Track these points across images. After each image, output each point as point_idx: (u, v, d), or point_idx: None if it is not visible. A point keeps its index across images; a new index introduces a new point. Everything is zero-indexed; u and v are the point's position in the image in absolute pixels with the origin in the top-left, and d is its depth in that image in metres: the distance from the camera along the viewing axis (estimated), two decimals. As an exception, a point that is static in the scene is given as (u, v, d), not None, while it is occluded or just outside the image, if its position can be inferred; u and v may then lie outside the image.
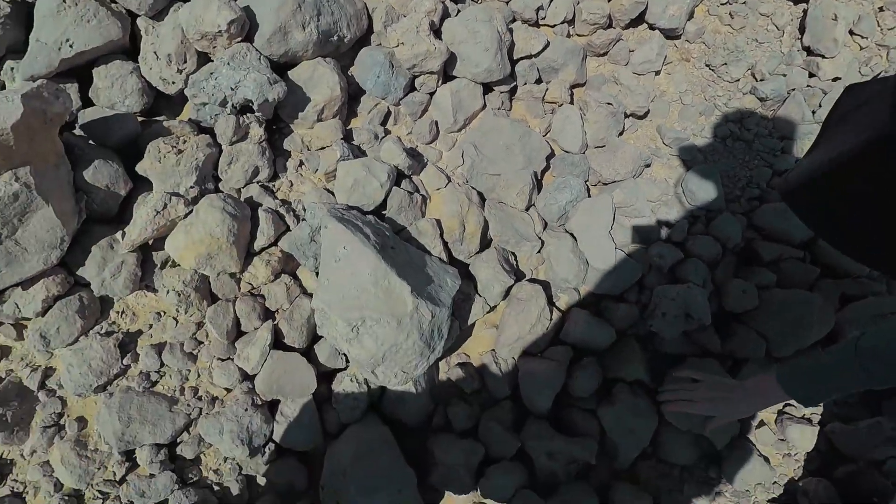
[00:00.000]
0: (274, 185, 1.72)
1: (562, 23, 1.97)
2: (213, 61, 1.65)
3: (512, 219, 1.77)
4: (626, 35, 2.07)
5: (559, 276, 1.74)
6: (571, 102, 1.99)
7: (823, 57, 1.95)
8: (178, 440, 1.49)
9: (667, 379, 1.34)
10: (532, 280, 1.75)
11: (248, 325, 1.53)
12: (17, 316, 1.43)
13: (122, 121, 1.62)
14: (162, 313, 1.55)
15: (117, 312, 1.53)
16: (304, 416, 1.52)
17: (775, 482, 1.64)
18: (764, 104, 1.98)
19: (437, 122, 1.88)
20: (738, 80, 2.02)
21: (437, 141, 1.90)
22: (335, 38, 1.77)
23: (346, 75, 1.84)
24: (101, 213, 1.53)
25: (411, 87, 1.89)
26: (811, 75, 1.97)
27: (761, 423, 1.69)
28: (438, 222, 1.70)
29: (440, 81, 1.88)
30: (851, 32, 1.97)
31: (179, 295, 1.49)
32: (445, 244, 1.70)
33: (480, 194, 1.82)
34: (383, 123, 1.87)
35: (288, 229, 1.64)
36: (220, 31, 1.56)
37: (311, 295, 1.60)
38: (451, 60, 1.82)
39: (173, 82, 1.68)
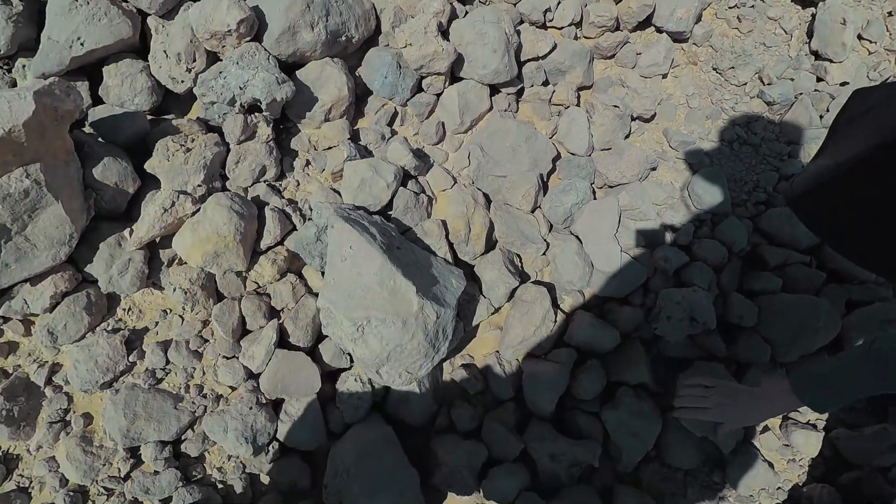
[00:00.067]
0: (281, 185, 1.73)
1: (569, 25, 1.98)
2: (221, 60, 1.66)
3: (517, 220, 1.77)
4: (634, 38, 2.07)
5: (564, 278, 1.74)
6: (578, 105, 1.99)
7: (831, 61, 1.95)
8: (183, 437, 1.49)
9: (679, 385, 1.33)
10: (537, 282, 1.75)
11: (253, 323, 1.54)
12: (25, 312, 1.44)
13: (131, 119, 1.63)
14: (168, 311, 1.56)
15: (124, 309, 1.54)
16: (307, 416, 1.53)
17: (779, 488, 1.63)
18: (771, 108, 1.97)
19: (443, 123, 1.89)
20: (746, 83, 2.01)
21: (443, 142, 1.91)
22: (343, 38, 1.78)
23: (353, 76, 1.85)
24: (109, 211, 1.54)
25: (418, 88, 1.89)
26: (819, 80, 1.97)
27: (766, 429, 1.68)
28: (444, 223, 1.70)
29: (447, 82, 1.88)
30: (860, 37, 1.96)
31: (186, 293, 1.50)
32: (451, 245, 1.70)
33: (486, 196, 1.82)
34: (390, 124, 1.88)
35: (294, 228, 1.64)
36: (229, 31, 1.57)
37: (316, 294, 1.60)
38: (458, 62, 1.83)
39: (182, 81, 1.69)
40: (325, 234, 1.54)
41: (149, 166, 1.57)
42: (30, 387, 1.46)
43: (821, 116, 1.92)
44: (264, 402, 1.51)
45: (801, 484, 1.65)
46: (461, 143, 1.90)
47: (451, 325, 1.47)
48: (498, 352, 1.69)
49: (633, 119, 1.97)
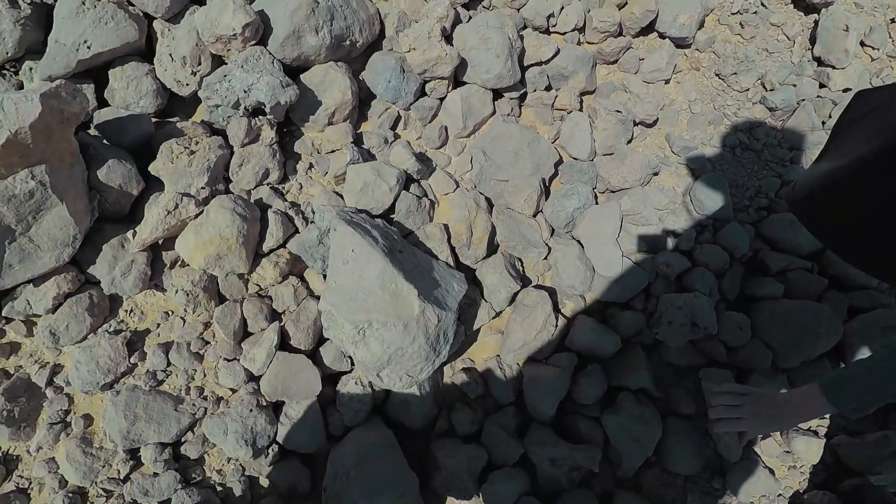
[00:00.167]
0: (284, 188, 1.74)
1: (572, 30, 1.98)
2: (226, 64, 1.67)
3: (519, 225, 1.77)
4: (637, 43, 2.08)
5: (565, 282, 1.74)
6: (581, 110, 1.99)
7: (834, 68, 1.95)
8: (183, 440, 1.49)
9: (708, 394, 1.29)
10: (538, 286, 1.75)
11: (254, 325, 1.54)
12: (27, 312, 1.45)
13: (136, 121, 1.64)
14: (170, 313, 1.56)
15: (126, 311, 1.55)
16: (308, 418, 1.53)
17: (780, 494, 1.62)
18: (773, 114, 1.97)
19: (446, 128, 1.90)
20: (748, 89, 2.02)
21: (446, 146, 1.91)
22: (347, 42, 1.79)
23: (357, 80, 1.86)
24: (113, 213, 1.55)
25: (422, 93, 1.90)
26: (822, 86, 1.97)
27: (767, 435, 1.67)
28: (446, 227, 1.71)
29: (450, 87, 1.89)
30: (863, 44, 1.97)
31: (188, 295, 1.50)
32: (452, 249, 1.70)
33: (488, 200, 1.82)
34: (393, 128, 1.89)
35: (297, 231, 1.65)
36: (234, 35, 1.58)
37: (318, 297, 1.61)
38: (461, 66, 1.84)
39: (187, 84, 1.71)
40: (328, 237, 1.55)
41: (153, 168, 1.57)
42: (31, 387, 1.46)
43: (823, 122, 1.92)
44: (265, 404, 1.51)
45: (801, 491, 1.64)
46: (464, 147, 1.91)
47: (452, 329, 1.47)
48: (499, 356, 1.69)
49: (635, 124, 1.98)
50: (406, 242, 1.60)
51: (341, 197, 1.70)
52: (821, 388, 1.09)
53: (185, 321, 1.55)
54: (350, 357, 1.57)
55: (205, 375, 1.53)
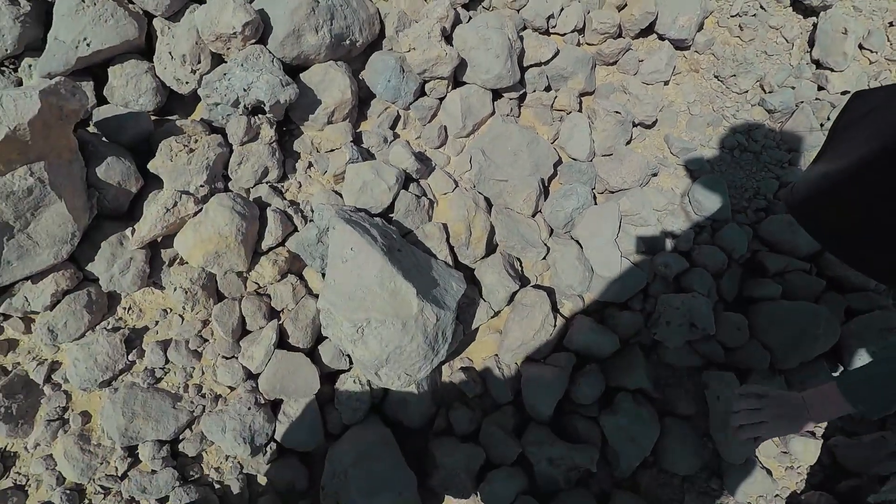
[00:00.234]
0: (283, 186, 1.74)
1: (572, 31, 1.99)
2: (226, 62, 1.67)
3: (518, 224, 1.78)
4: (636, 45, 2.08)
5: (564, 282, 1.74)
6: (580, 110, 2.00)
7: (832, 70, 1.96)
8: (181, 437, 1.49)
9: (733, 399, 1.26)
10: (537, 286, 1.76)
11: (253, 324, 1.54)
12: (25, 309, 1.44)
13: (135, 119, 1.64)
14: (168, 310, 1.56)
15: (124, 308, 1.55)
16: (306, 417, 1.53)
17: (777, 495, 1.63)
18: (772, 116, 1.98)
19: (445, 127, 1.90)
20: (747, 91, 2.02)
21: (445, 146, 1.92)
22: (347, 42, 1.79)
23: (357, 79, 1.86)
24: (111, 210, 1.55)
25: (421, 92, 1.91)
26: (820, 88, 1.98)
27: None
28: (445, 226, 1.71)
29: (450, 87, 1.90)
30: (861, 46, 1.98)
31: (186, 292, 1.50)
32: (451, 248, 1.70)
33: (487, 200, 1.83)
34: (393, 127, 1.89)
35: (295, 230, 1.65)
36: (234, 33, 1.59)
37: (316, 295, 1.61)
38: (461, 66, 1.84)
39: (187, 82, 1.71)
40: (327, 235, 1.55)
41: (152, 166, 1.57)
42: (29, 384, 1.46)
43: (821, 125, 1.93)
44: (263, 402, 1.51)
45: (799, 492, 1.64)
46: (463, 147, 1.91)
47: (450, 328, 1.47)
48: (497, 355, 1.69)
49: (634, 125, 1.98)
50: (405, 241, 1.60)
51: (340, 196, 1.70)
52: (839, 388, 1.08)
53: (183, 319, 1.55)
54: (348, 355, 1.57)
55: (203, 373, 1.53)
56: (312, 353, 1.59)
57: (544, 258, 1.79)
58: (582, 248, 1.78)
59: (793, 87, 1.98)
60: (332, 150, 1.78)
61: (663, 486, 1.63)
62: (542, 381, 1.60)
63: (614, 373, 1.67)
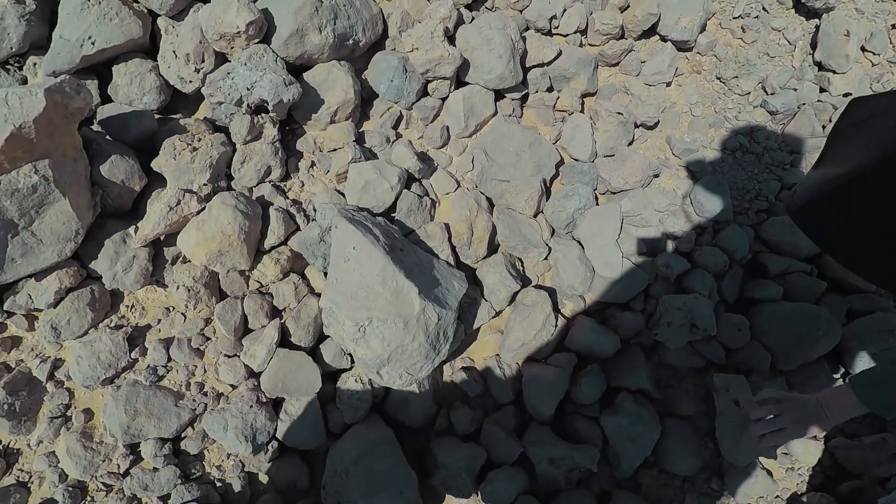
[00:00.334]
0: (285, 185, 1.74)
1: (574, 32, 1.99)
2: (230, 61, 1.68)
3: (520, 225, 1.78)
4: (638, 46, 2.08)
5: (565, 282, 1.74)
6: (582, 111, 2.00)
7: (835, 72, 1.96)
8: (183, 435, 1.50)
9: (750, 407, 1.25)
10: (538, 286, 1.76)
11: (255, 322, 1.55)
12: (29, 307, 1.45)
13: (139, 117, 1.65)
14: (171, 308, 1.57)
15: (127, 306, 1.55)
16: (307, 415, 1.53)
17: (778, 496, 1.63)
18: (774, 118, 1.98)
19: (448, 127, 1.90)
20: (749, 93, 2.03)
21: (447, 146, 1.92)
22: (350, 41, 1.80)
23: (360, 79, 1.86)
24: (115, 208, 1.56)
25: (424, 92, 1.91)
26: (822, 90, 1.98)
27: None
28: (447, 226, 1.71)
29: (453, 87, 1.90)
30: (863, 48, 1.98)
31: (189, 290, 1.50)
32: (453, 248, 1.71)
33: (489, 200, 1.83)
34: (395, 127, 1.89)
35: (298, 229, 1.66)
36: (238, 32, 1.59)
37: (318, 294, 1.61)
38: (464, 66, 1.85)
39: (191, 81, 1.71)
40: (329, 234, 1.55)
41: (155, 165, 1.58)
42: (32, 382, 1.47)
43: (823, 127, 1.93)
44: (264, 400, 1.52)
45: (799, 493, 1.64)
46: (465, 147, 1.92)
47: (452, 328, 1.48)
48: (498, 355, 1.70)
49: (636, 126, 1.98)
50: (407, 241, 1.60)
51: (343, 195, 1.71)
52: (853, 389, 1.07)
53: (185, 317, 1.56)
54: (350, 354, 1.57)
55: (205, 371, 1.54)
56: (314, 352, 1.59)
57: (546, 258, 1.79)
58: (583, 248, 1.78)
59: (795, 89, 1.98)
60: (334, 150, 1.79)
61: (664, 486, 1.63)
62: (544, 381, 1.60)
63: (615, 373, 1.67)
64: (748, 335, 1.65)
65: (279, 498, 1.53)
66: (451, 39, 1.85)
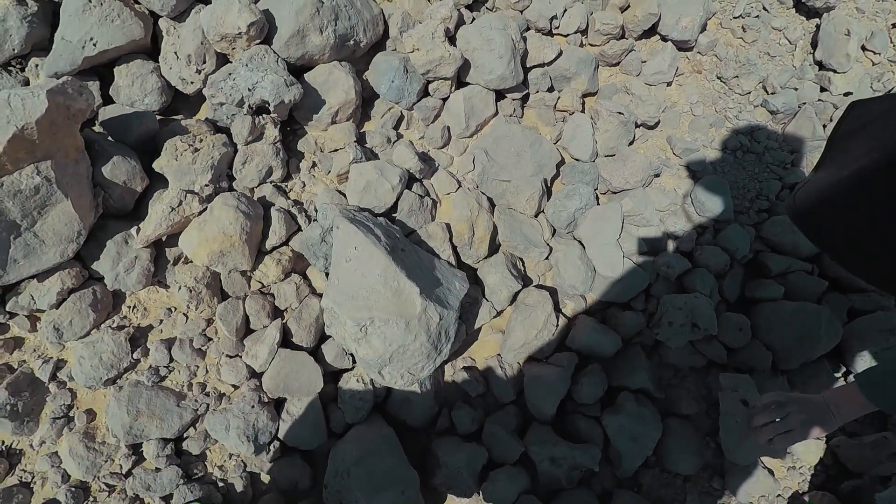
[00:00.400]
0: (287, 186, 1.74)
1: (575, 32, 1.99)
2: (231, 62, 1.68)
3: (521, 225, 1.78)
4: (639, 46, 2.08)
5: (566, 282, 1.75)
6: (583, 111, 2.00)
7: (835, 72, 1.96)
8: (185, 435, 1.50)
9: (756, 411, 1.25)
10: (539, 286, 1.76)
11: (257, 322, 1.55)
12: (31, 307, 1.45)
13: (141, 119, 1.65)
14: (173, 309, 1.57)
15: (129, 307, 1.56)
16: (309, 415, 1.53)
17: (779, 495, 1.63)
18: (775, 117, 1.98)
19: (449, 128, 1.90)
20: (750, 92, 2.03)
21: (448, 146, 1.92)
22: (351, 42, 1.80)
23: (360, 79, 1.87)
24: (117, 209, 1.56)
25: (425, 93, 1.91)
26: (823, 90, 1.98)
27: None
28: (448, 226, 1.71)
29: (453, 87, 1.90)
30: (864, 48, 1.98)
31: (191, 291, 1.51)
32: (454, 248, 1.71)
33: (490, 200, 1.83)
34: (396, 127, 1.90)
35: (299, 229, 1.66)
36: (239, 33, 1.59)
37: (320, 295, 1.62)
38: (464, 67, 1.85)
39: (192, 82, 1.72)
40: (330, 235, 1.55)
41: (157, 165, 1.58)
42: (34, 382, 1.47)
43: (824, 126, 1.93)
44: (266, 401, 1.52)
45: (801, 492, 1.64)
46: (466, 147, 1.92)
47: (453, 328, 1.48)
48: (499, 355, 1.70)
49: (637, 126, 1.98)
50: (408, 241, 1.61)
51: (344, 195, 1.71)
52: (860, 387, 1.07)
53: (187, 317, 1.56)
54: (352, 354, 1.58)
55: (207, 372, 1.54)
56: (316, 352, 1.59)
57: (547, 258, 1.79)
58: (584, 248, 1.78)
59: (795, 89, 1.98)
60: (335, 150, 1.79)
61: (665, 485, 1.63)
62: (545, 380, 1.61)
63: (616, 373, 1.67)
64: (749, 334, 1.66)
65: (281, 498, 1.54)
66: (451, 40, 1.85)
